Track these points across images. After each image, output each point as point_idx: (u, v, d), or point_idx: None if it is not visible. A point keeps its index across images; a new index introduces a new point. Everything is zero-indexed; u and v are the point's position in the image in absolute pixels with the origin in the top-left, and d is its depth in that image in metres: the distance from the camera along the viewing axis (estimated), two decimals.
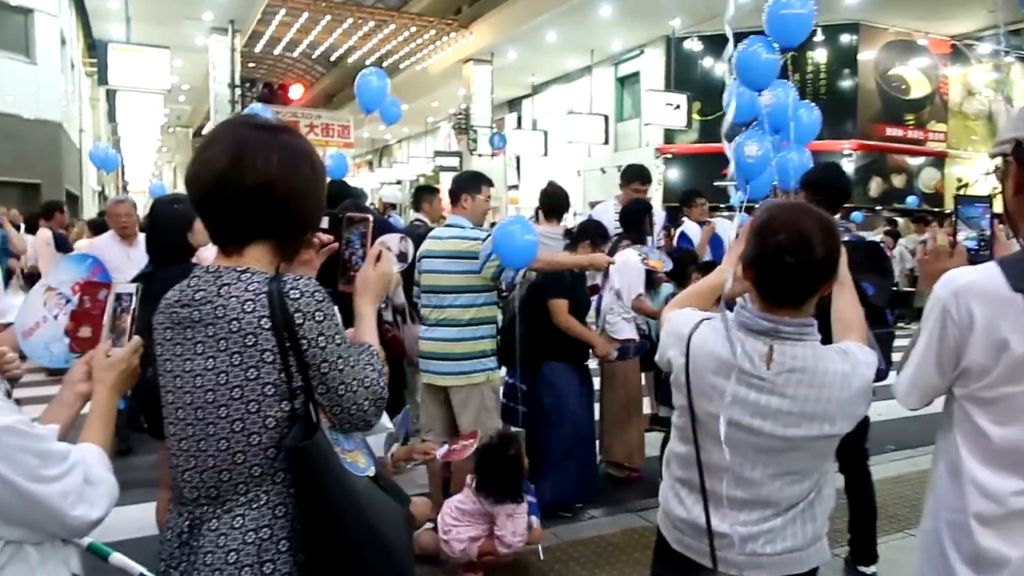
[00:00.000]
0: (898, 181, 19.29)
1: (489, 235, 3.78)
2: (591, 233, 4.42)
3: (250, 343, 1.32)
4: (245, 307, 1.32)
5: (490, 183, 4.02)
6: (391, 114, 8.96)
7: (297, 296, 1.33)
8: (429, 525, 3.38)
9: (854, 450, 3.36)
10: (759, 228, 1.71)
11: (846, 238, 3.22)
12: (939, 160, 19.83)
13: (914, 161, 19.54)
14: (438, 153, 26.83)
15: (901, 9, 17.47)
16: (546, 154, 22.63)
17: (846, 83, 18.71)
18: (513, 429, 3.85)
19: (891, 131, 19.01)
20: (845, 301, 1.95)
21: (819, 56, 18.34)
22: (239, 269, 1.37)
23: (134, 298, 1.62)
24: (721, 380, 1.72)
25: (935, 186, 19.70)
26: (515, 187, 26.54)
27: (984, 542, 1.46)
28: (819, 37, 17.41)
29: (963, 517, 1.50)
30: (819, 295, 1.73)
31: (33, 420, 1.30)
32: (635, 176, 5.57)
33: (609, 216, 5.09)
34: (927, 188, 19.60)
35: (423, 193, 6.41)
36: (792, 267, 1.64)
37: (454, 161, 24.88)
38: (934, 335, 1.61)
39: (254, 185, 1.35)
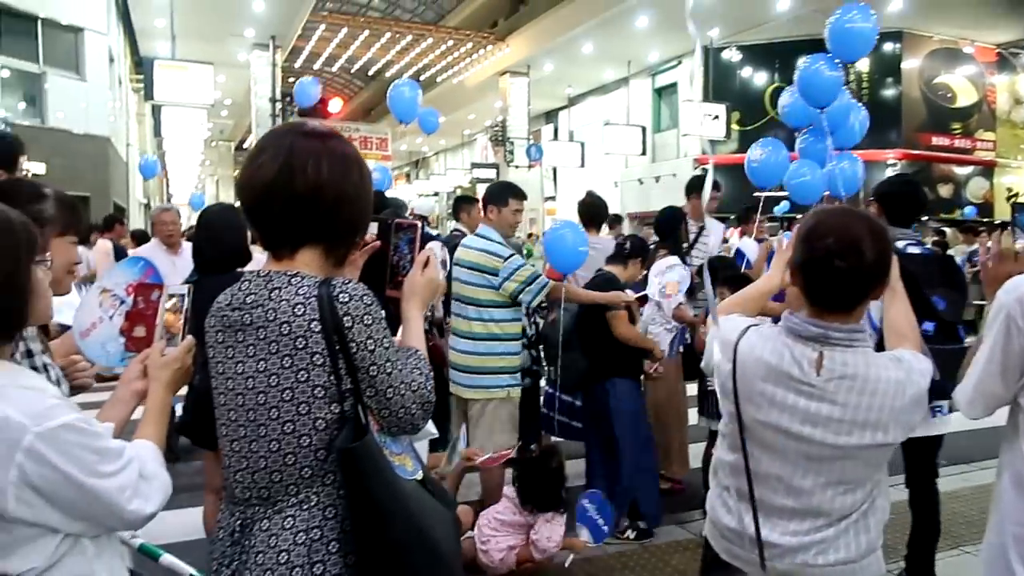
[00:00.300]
0: (945, 191, 18.88)
1: (513, 254, 3.76)
2: (642, 251, 4.37)
3: (300, 346, 1.33)
4: (295, 310, 1.33)
5: (520, 195, 3.96)
6: (429, 124, 9.08)
7: (346, 300, 1.34)
8: (469, 534, 3.37)
9: (924, 465, 3.27)
10: (807, 233, 1.68)
11: (917, 250, 3.15)
12: (988, 169, 19.37)
13: (962, 171, 19.12)
14: (475, 165, 26.98)
15: (945, 17, 17.17)
16: (583, 165, 22.62)
17: (890, 92, 18.41)
18: (553, 439, 3.83)
19: (937, 140, 18.63)
20: (897, 309, 1.90)
21: (862, 65, 18.08)
22: (289, 273, 1.38)
23: (185, 299, 1.66)
24: (770, 387, 1.68)
25: (984, 196, 19.24)
26: (552, 199, 26.55)
27: None
28: None
29: None
30: (869, 300, 1.69)
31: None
32: (693, 188, 5.40)
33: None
34: (976, 198, 19.15)
35: (462, 203, 6.42)
36: (842, 271, 1.60)
37: (491, 173, 24.99)
38: (998, 343, 1.56)
39: (304, 191, 1.37)
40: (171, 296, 1.68)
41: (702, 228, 5.13)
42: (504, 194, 3.94)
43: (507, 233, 3.94)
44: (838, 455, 1.65)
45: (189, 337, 1.61)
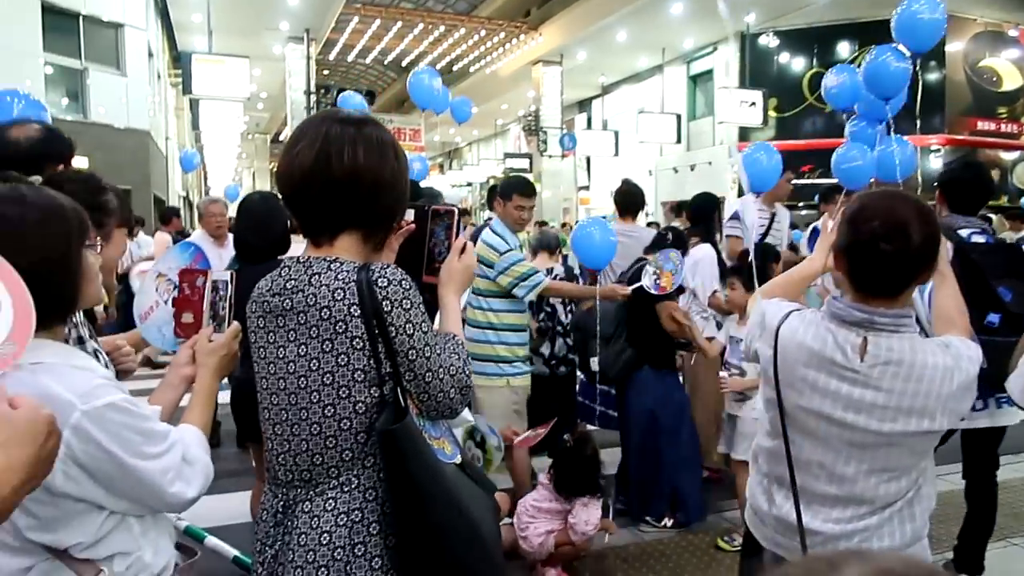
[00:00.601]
0: (991, 177, 18.39)
1: (510, 249, 3.77)
2: (683, 244, 4.33)
3: (340, 330, 1.34)
4: (335, 295, 1.35)
5: (526, 192, 3.94)
6: (462, 113, 9.11)
7: (385, 284, 1.34)
8: (507, 520, 3.39)
9: (984, 456, 3.21)
10: (852, 216, 1.64)
11: (982, 239, 3.06)
12: None
13: (1008, 156, 18.59)
14: (508, 155, 26.95)
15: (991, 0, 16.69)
16: (617, 154, 22.45)
17: (933, 76, 17.95)
18: (589, 427, 3.82)
19: (983, 125, 18.14)
20: (946, 294, 1.86)
21: (902, 48, 17.64)
22: (329, 259, 1.40)
23: (229, 286, 1.68)
24: (812, 372, 1.65)
25: None
26: (585, 188, 26.43)
27: None
28: None
29: None
30: (916, 285, 1.65)
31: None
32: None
33: (752, 214, 4.74)
34: (1023, 183, 18.62)
35: (495, 193, 6.42)
36: (887, 255, 1.56)
37: (524, 163, 24.94)
38: None
39: (341, 177, 1.37)
40: (215, 283, 1.71)
41: (773, 215, 4.95)
42: (509, 189, 3.94)
43: (514, 227, 3.94)
44: (882, 442, 1.62)
45: (235, 323, 1.64)
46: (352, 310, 1.34)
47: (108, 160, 13.88)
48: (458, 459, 1.48)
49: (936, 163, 16.41)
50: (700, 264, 4.57)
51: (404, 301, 1.36)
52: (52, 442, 0.92)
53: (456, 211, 1.75)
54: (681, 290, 4.31)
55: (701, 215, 4.89)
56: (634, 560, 3.61)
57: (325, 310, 1.35)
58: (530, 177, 24.80)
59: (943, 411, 1.59)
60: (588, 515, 3.27)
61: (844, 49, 18.08)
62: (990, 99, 18.34)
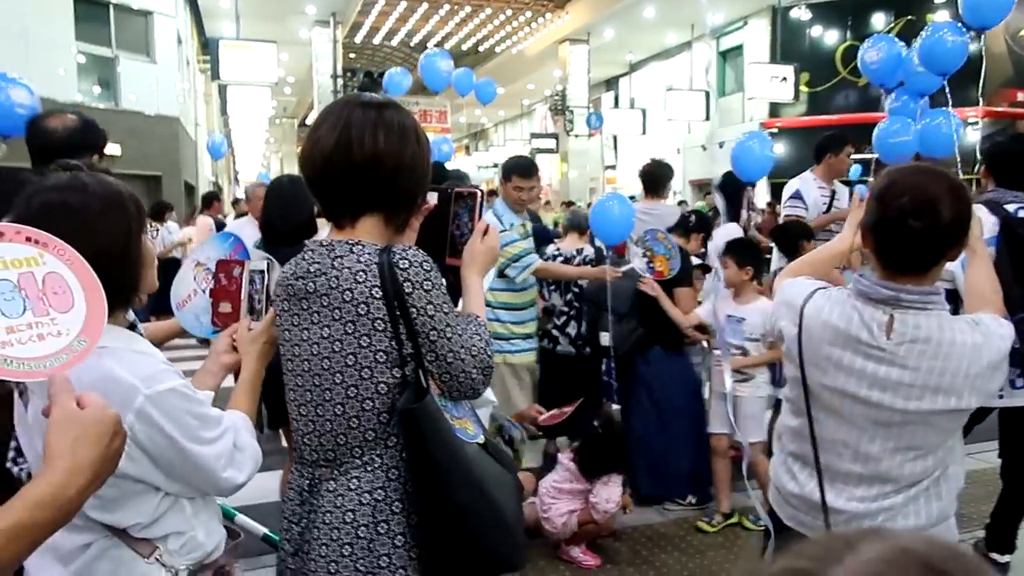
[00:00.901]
0: None
1: (505, 230, 3.78)
2: (706, 227, 4.29)
3: (362, 312, 1.36)
4: (357, 278, 1.36)
5: (526, 174, 3.96)
6: (486, 94, 9.11)
7: (406, 266, 1.36)
8: (532, 499, 3.42)
9: (1019, 436, 3.15)
10: (881, 192, 1.61)
11: None
12: None
13: None
14: (534, 135, 26.80)
15: None
16: (644, 133, 22.21)
17: (971, 47, 17.44)
18: (614, 407, 3.82)
19: (1023, 96, 17.62)
20: (978, 271, 1.83)
21: (940, 18, 17.18)
22: (351, 242, 1.41)
23: (266, 275, 1.72)
24: (837, 351, 1.64)
25: None
26: (612, 167, 26.24)
27: None
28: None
29: None
30: (945, 263, 1.62)
31: None
32: (828, 148, 4.73)
33: (813, 192, 4.55)
34: None
35: None
36: (917, 232, 1.53)
37: (550, 143, 24.80)
38: None
39: (362, 161, 1.39)
40: (252, 273, 1.74)
41: (834, 192, 4.75)
42: (509, 171, 3.96)
43: (515, 208, 3.95)
44: (908, 420, 1.60)
45: (272, 310, 1.66)
46: (374, 292, 1.35)
47: (139, 147, 14.08)
48: (481, 439, 1.50)
49: (973, 136, 16.02)
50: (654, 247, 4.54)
51: (425, 283, 1.37)
52: (117, 442, 0.94)
53: (479, 193, 1.76)
54: (707, 269, 4.27)
55: (727, 194, 4.84)
56: (659, 539, 3.62)
57: (347, 292, 1.37)
58: (556, 157, 24.65)
59: (971, 390, 1.56)
60: (609, 493, 3.29)
61: (879, 21, 17.63)
62: None
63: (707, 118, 20.56)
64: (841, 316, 1.64)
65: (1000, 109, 17.34)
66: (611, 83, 27.13)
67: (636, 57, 24.40)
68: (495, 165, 30.16)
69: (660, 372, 3.98)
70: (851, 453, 1.66)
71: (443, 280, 1.44)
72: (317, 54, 19.39)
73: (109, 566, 1.27)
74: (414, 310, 1.36)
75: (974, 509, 3.49)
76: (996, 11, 4.63)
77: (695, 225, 4.28)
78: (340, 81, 18.65)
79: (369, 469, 1.40)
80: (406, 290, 1.35)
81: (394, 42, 28.00)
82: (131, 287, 1.35)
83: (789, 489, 1.79)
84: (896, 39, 5.87)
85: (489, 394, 2.03)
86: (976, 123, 16.99)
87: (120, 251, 1.29)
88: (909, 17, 16.83)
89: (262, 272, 1.73)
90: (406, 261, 1.36)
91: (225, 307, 1.77)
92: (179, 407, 1.27)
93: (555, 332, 4.35)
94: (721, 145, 20.37)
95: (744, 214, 4.88)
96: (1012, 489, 3.18)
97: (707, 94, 20.55)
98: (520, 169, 3.97)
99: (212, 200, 10.19)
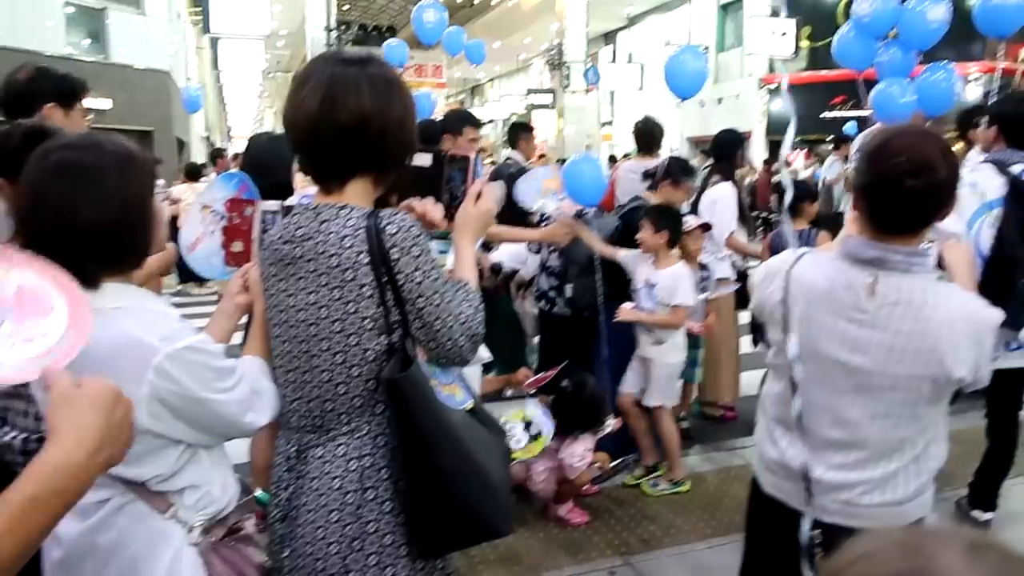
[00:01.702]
0: None
1: None
2: (674, 171, 4.19)
3: (349, 278, 1.35)
4: (344, 242, 1.35)
5: (476, 124, 3.90)
6: (476, 55, 8.98)
7: (394, 231, 1.34)
8: (519, 461, 3.42)
9: (1008, 396, 3.19)
10: (874, 152, 1.59)
11: None
12: None
13: None
14: (531, 91, 26.44)
15: None
16: (642, 88, 21.93)
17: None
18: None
19: None
20: (959, 254, 1.85)
21: None
22: (338, 206, 1.39)
23: (278, 216, 1.69)
24: (820, 313, 1.64)
25: None
26: (608, 123, 25.97)
27: None
28: None
29: None
30: (934, 222, 1.61)
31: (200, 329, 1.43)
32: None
33: None
34: None
35: (519, 130, 6.31)
36: (915, 192, 1.52)
37: (547, 99, 24.45)
38: None
39: (348, 121, 1.36)
40: (264, 213, 1.73)
41: None
42: (459, 123, 3.85)
43: None
44: (887, 384, 1.59)
45: None
46: (360, 257, 1.34)
47: (129, 101, 13.90)
48: (469, 404, 1.51)
49: (975, 92, 15.85)
50: (719, 203, 4.50)
51: (413, 248, 1.36)
52: (120, 410, 0.95)
53: (472, 157, 1.74)
54: (707, 227, 4.23)
55: (723, 152, 4.79)
56: (651, 501, 3.66)
57: (334, 257, 1.36)
58: (553, 113, 24.37)
59: (954, 358, 1.54)
60: (574, 448, 3.29)
61: None
62: None
63: (707, 74, 20.24)
64: (826, 278, 1.64)
65: (1002, 64, 17.11)
66: (609, 37, 26.70)
67: (635, 10, 24.00)
68: (491, 121, 29.85)
69: (611, 328, 3.93)
70: (831, 418, 1.65)
71: (431, 245, 1.43)
72: (310, 6, 18.99)
73: (126, 521, 1.30)
74: (401, 276, 1.35)
75: (957, 468, 3.53)
76: None
77: (662, 174, 4.16)
78: (334, 34, 18.30)
79: (356, 436, 1.40)
80: (393, 256, 1.34)
81: None
82: (144, 247, 1.36)
83: (770, 456, 1.79)
84: None
85: (483, 352, 2.04)
86: (978, 79, 16.85)
87: (137, 210, 1.30)
88: None
89: (275, 213, 1.72)
90: (394, 226, 1.35)
91: (237, 246, 1.76)
92: (197, 361, 1.28)
93: (552, 293, 4.34)
94: (720, 101, 20.17)
95: (737, 173, 4.84)
96: (996, 448, 3.23)
97: (707, 49, 20.23)
98: (472, 120, 3.90)
99: (216, 156, 10.42)
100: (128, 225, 1.28)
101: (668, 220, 3.65)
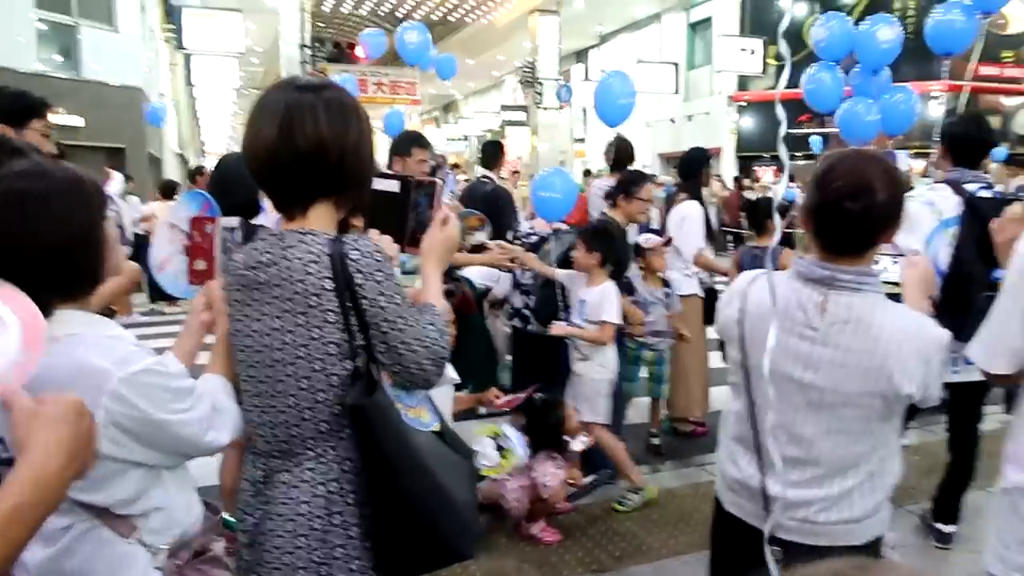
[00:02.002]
0: (992, 124, 18.17)
1: None
2: (625, 184, 4.19)
3: (313, 304, 1.37)
4: (308, 268, 1.37)
5: (424, 145, 3.89)
6: (446, 70, 9.07)
7: (357, 257, 1.37)
8: (495, 477, 3.44)
9: (967, 409, 3.27)
10: (819, 177, 1.66)
11: (988, 194, 3.07)
12: None
13: (1010, 102, 18.32)
14: (504, 107, 26.60)
15: None
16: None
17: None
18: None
19: (985, 70, 17.83)
20: (913, 278, 1.90)
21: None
22: (302, 232, 1.41)
23: (237, 233, 1.70)
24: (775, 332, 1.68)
25: None
26: (581, 140, 26.17)
27: None
28: None
29: None
30: (880, 244, 1.67)
31: (166, 349, 1.43)
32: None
33: None
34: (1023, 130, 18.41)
35: (491, 149, 6.37)
36: (853, 214, 1.58)
37: (521, 115, 24.64)
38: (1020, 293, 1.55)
39: (307, 148, 1.38)
40: (224, 229, 1.73)
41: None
42: (407, 145, 3.86)
43: None
44: (839, 401, 1.63)
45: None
46: (325, 283, 1.36)
47: (102, 118, 13.75)
48: (435, 427, 1.53)
49: (937, 110, 16.21)
50: (686, 221, 4.57)
51: (376, 273, 1.38)
52: (85, 423, 0.97)
53: (438, 182, 1.77)
54: (668, 242, 4.32)
55: (689, 171, 4.88)
56: (621, 517, 3.68)
57: (298, 283, 1.37)
58: (527, 130, 24.49)
59: (902, 375, 1.57)
60: (547, 467, 3.32)
61: None
62: (994, 43, 18.01)
63: (676, 91, 20.56)
64: (780, 297, 1.69)
65: (962, 83, 17.54)
66: (581, 55, 26.97)
67: (606, 28, 24.28)
68: (464, 138, 29.94)
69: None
70: (787, 436, 1.68)
71: (396, 270, 1.45)
72: (284, 23, 18.96)
73: (90, 547, 1.30)
74: (365, 301, 1.37)
75: (921, 481, 3.61)
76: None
77: (613, 191, 4.25)
78: (308, 51, 18.27)
79: (323, 461, 1.41)
80: (357, 281, 1.36)
81: (363, 11, 27.50)
82: (96, 272, 1.36)
83: (731, 475, 1.82)
84: (848, 16, 5.97)
85: (450, 372, 2.06)
86: (939, 97, 17.23)
87: (85, 237, 1.31)
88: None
89: (233, 230, 1.72)
90: (357, 252, 1.37)
91: (200, 264, 1.76)
92: (152, 383, 1.29)
93: (525, 311, 4.38)
94: (690, 118, 20.43)
95: (704, 191, 4.93)
96: (958, 461, 3.29)
97: (676, 67, 20.53)
98: (421, 141, 3.89)
99: (195, 175, 10.22)
100: (79, 251, 1.29)
101: (600, 241, 3.73)
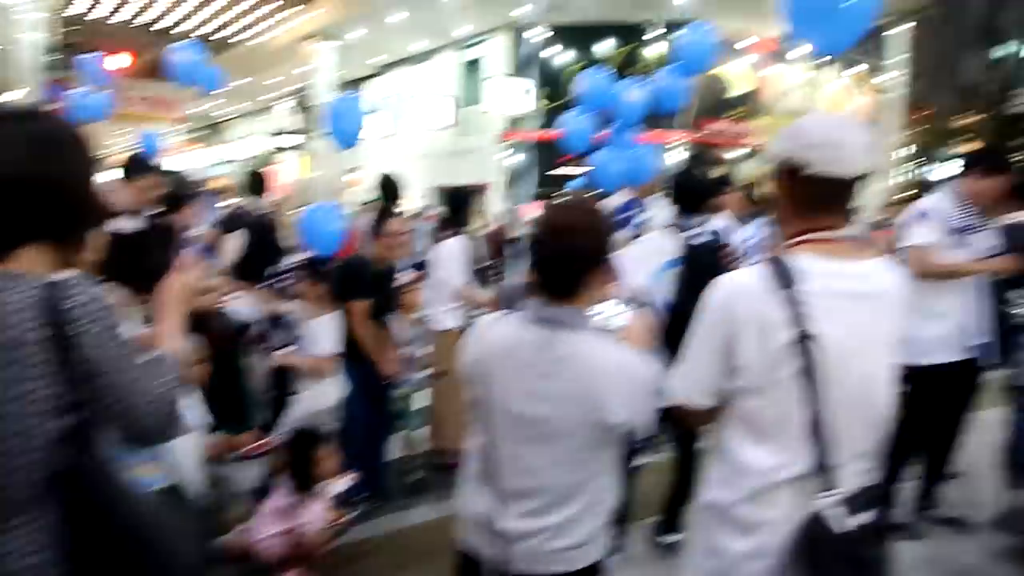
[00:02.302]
0: (718, 173, 20.71)
1: None
2: (376, 224, 4.34)
3: (21, 355, 1.25)
4: (13, 317, 1.25)
5: (149, 171, 3.89)
6: (210, 82, 8.64)
7: (71, 305, 1.27)
8: (242, 528, 3.26)
9: (687, 433, 3.58)
10: (535, 225, 1.89)
11: (701, 240, 3.49)
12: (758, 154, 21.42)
13: (731, 154, 21.00)
14: (280, 132, 25.74)
15: (729, 9, 18.55)
16: (390, 137, 22.29)
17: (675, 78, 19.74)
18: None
19: (715, 126, 20.38)
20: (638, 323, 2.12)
21: (651, 52, 19.28)
22: (9, 275, 1.29)
23: None
24: (508, 370, 1.82)
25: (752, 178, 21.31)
26: (354, 170, 25.95)
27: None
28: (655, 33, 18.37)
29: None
30: (590, 286, 1.82)
31: None
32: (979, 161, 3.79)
33: (944, 211, 3.71)
34: (745, 179, 21.18)
35: (253, 178, 6.20)
36: (556, 257, 1.79)
37: (298, 140, 23.97)
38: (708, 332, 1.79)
39: (5, 185, 1.27)
40: None
41: None
42: (130, 169, 3.82)
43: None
44: (564, 431, 1.78)
45: None
46: (31, 333, 1.25)
47: None
48: (161, 485, 1.45)
49: (678, 158, 18.16)
50: (451, 256, 4.74)
51: (93, 323, 1.28)
52: None
53: (175, 229, 1.72)
54: (422, 277, 4.48)
55: (454, 206, 5.09)
56: (378, 554, 3.68)
57: (3, 333, 1.25)
58: (301, 156, 23.79)
59: (620, 406, 1.75)
60: (311, 515, 3.22)
61: (608, 47, 19.36)
62: (721, 103, 20.68)
63: (451, 126, 21.17)
64: (512, 336, 1.83)
65: (700, 135, 19.89)
66: (357, 84, 26.84)
67: (385, 60, 24.41)
68: (231, 161, 28.48)
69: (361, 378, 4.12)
70: (520, 468, 1.81)
71: (115, 317, 1.36)
72: (14, 22, 16.85)
73: None
74: (80, 352, 1.27)
75: (653, 498, 3.92)
76: (702, 62, 5.50)
77: (374, 222, 4.39)
78: (47, 57, 16.38)
79: (35, 527, 1.30)
80: (72, 331, 1.26)
81: (113, 20, 25.25)
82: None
83: (471, 510, 1.91)
84: (612, 70, 6.66)
85: (192, 418, 1.95)
86: (672, 148, 19.29)
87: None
88: (634, 44, 18.88)
89: None
90: (72, 298, 1.27)
91: None
92: None
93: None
94: (464, 154, 21.10)
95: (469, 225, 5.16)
96: (680, 479, 3.69)
97: (452, 101, 21.18)
98: (144, 167, 3.89)
99: None
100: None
101: (322, 275, 3.90)
